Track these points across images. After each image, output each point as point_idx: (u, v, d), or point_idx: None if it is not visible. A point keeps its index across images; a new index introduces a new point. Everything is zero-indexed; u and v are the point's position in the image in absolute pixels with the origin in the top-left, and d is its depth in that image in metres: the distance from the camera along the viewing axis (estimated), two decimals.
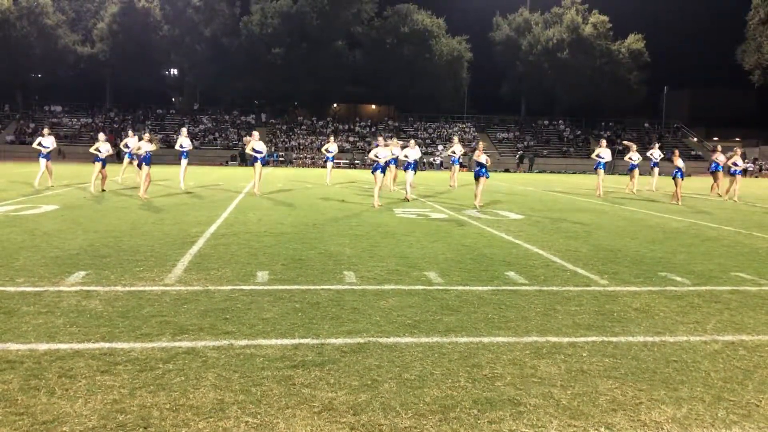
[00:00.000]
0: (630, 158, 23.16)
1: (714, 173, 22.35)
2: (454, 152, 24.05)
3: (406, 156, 17.97)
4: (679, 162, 19.55)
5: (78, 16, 62.32)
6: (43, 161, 19.18)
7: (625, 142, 26.40)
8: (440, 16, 65.44)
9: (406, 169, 18.04)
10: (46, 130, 19.74)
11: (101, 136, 18.68)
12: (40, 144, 19.17)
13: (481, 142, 18.14)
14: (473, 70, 66.95)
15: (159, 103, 64.46)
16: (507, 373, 4.32)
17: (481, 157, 15.86)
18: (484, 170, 15.94)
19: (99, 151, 17.81)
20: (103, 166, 18.00)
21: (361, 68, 63.79)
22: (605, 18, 64.57)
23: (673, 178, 19.32)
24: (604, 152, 21.15)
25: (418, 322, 5.45)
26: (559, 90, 64.82)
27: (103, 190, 18.10)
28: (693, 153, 59.20)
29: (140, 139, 19.06)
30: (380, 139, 18.86)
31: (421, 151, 22.88)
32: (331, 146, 24.91)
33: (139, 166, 16.97)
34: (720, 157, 21.87)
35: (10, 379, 4.00)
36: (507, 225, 12.40)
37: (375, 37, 64.17)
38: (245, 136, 28.32)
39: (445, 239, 10.31)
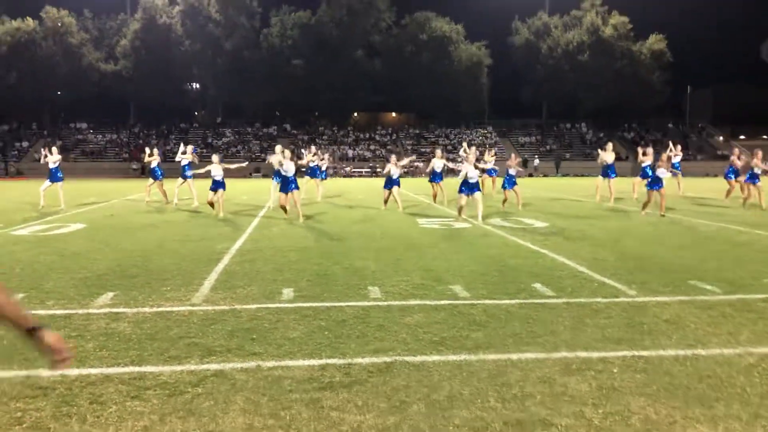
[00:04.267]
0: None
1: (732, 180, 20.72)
2: (485, 162, 23.16)
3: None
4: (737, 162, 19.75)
5: (101, 34, 63.49)
6: (47, 183, 18.71)
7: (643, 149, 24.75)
8: (459, 22, 65.41)
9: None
10: (54, 149, 19.21)
11: (215, 157, 16.40)
12: (52, 163, 18.58)
13: (513, 154, 18.62)
14: (493, 75, 66.78)
15: (182, 117, 65.28)
16: (537, 392, 4.27)
17: (512, 169, 17.44)
18: (508, 181, 17.49)
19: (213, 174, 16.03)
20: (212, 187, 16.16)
21: (380, 77, 63.96)
22: (625, 19, 63.93)
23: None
24: (607, 156, 20.01)
25: (444, 339, 5.41)
26: (581, 92, 64.26)
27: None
28: (719, 153, 58.25)
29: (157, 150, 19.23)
30: (438, 151, 19.90)
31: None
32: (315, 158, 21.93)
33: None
34: (737, 162, 20.78)
35: (43, 406, 4.05)
36: (532, 233, 12.30)
37: (394, 45, 64.29)
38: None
39: (469, 250, 10.25)
